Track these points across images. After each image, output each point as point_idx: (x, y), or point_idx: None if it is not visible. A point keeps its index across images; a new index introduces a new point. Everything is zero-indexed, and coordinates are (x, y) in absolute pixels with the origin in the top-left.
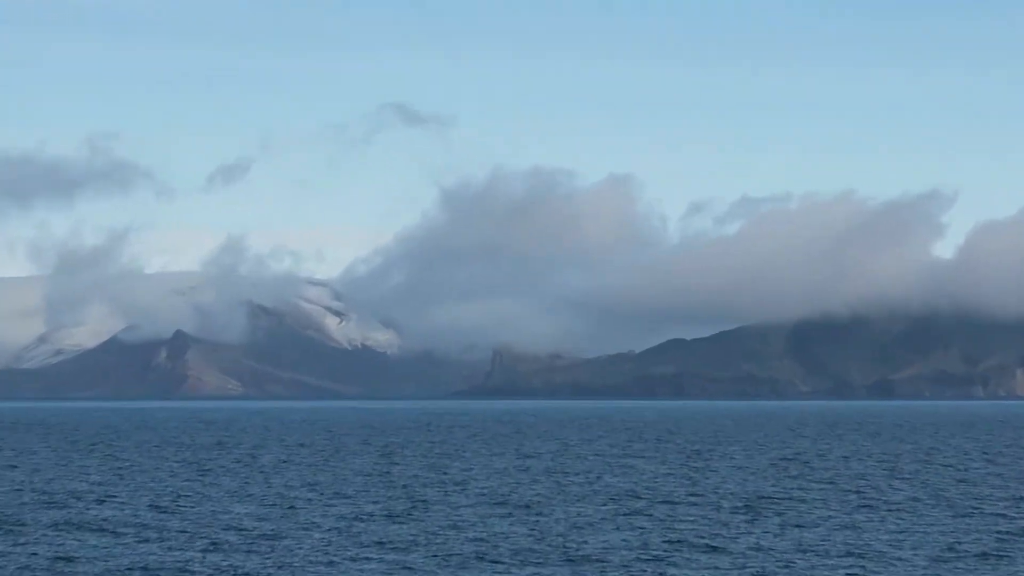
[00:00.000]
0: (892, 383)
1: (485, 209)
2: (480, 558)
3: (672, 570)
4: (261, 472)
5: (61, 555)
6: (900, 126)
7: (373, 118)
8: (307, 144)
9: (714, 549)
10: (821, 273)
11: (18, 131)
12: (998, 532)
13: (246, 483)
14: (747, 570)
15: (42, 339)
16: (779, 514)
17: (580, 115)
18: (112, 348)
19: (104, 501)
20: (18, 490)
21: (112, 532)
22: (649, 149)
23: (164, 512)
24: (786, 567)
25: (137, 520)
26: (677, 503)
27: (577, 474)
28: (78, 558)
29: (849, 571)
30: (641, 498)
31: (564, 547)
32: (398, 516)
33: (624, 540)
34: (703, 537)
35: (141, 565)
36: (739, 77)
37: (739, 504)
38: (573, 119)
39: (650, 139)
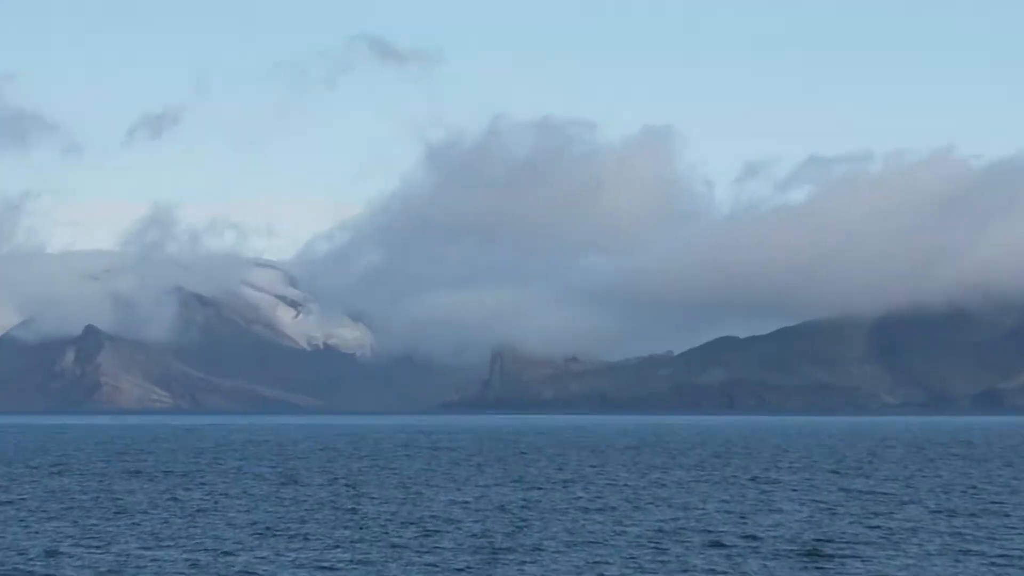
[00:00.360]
0: (1000, 393)
1: (482, 172)
2: None
3: None
4: (189, 509)
5: None
6: (1010, 68)
7: (338, 54)
8: (253, 89)
9: None
10: (911, 254)
11: None
12: None
13: (166, 524)
14: None
15: None
16: (859, 561)
17: (604, 51)
18: (4, 348)
19: None
20: None
21: None
22: (692, 95)
23: (56, 559)
24: None
25: (17, 571)
26: (729, 547)
27: (598, 510)
28: None
29: None
30: (683, 541)
31: None
32: (368, 564)
33: None
34: None
35: None
36: (805, 6)
37: (802, 549)
38: (595, 56)
39: (693, 82)
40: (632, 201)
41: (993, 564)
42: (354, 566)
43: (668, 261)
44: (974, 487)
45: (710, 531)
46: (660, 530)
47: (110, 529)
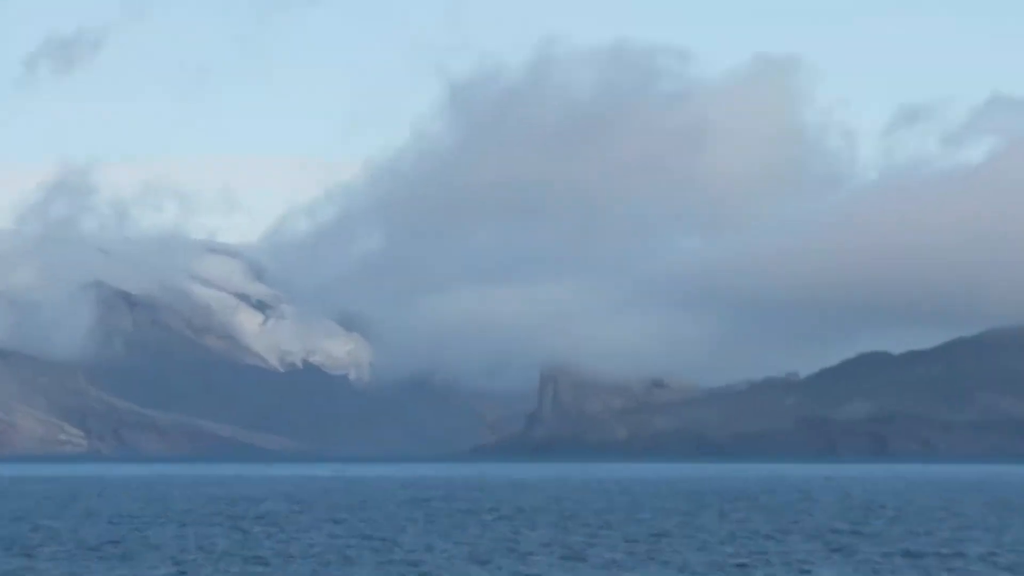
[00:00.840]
0: None
1: (525, 121)
2: None
3: None
4: None
5: None
6: None
7: None
8: (203, 4)
9: None
10: None
11: None
12: None
13: None
14: None
15: None
16: None
17: None
18: None
19: None
20: None
21: None
22: (823, 14)
23: None
24: None
25: None
26: None
27: None
28: None
29: None
30: None
31: None
32: None
33: None
34: None
35: None
36: None
37: None
38: None
39: None
40: (739, 161)
41: None
42: None
43: (790, 246)
44: None
45: None
46: None
47: None
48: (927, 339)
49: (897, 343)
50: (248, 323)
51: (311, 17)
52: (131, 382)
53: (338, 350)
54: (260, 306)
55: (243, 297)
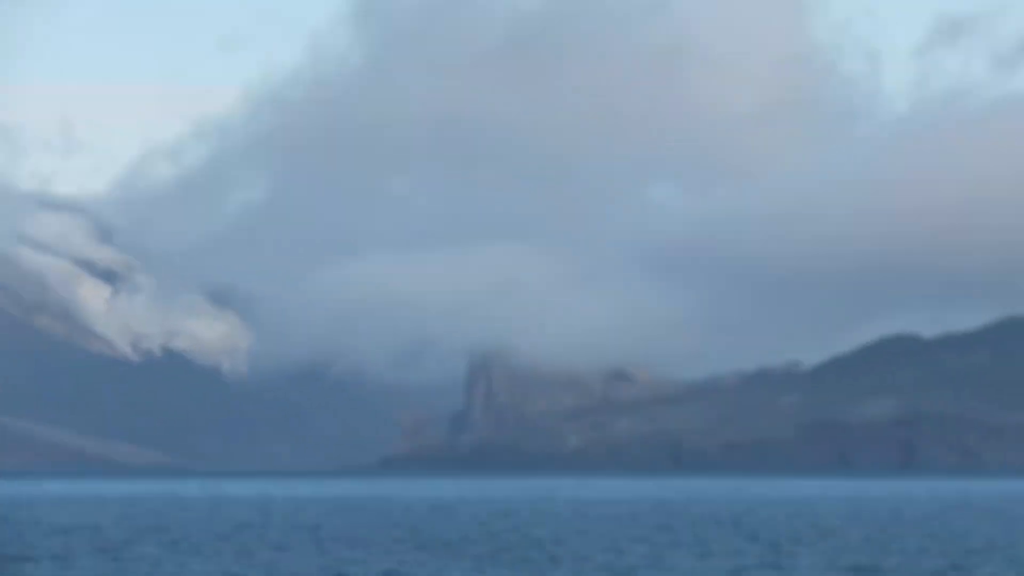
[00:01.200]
0: None
1: (453, 39)
2: None
3: None
4: None
5: None
6: None
7: None
8: None
9: None
10: None
11: None
12: None
13: None
14: None
15: None
16: None
17: None
18: None
19: None
20: None
21: None
22: None
23: None
24: None
25: None
26: None
27: None
28: None
29: None
30: None
31: None
32: None
33: None
34: None
35: None
36: None
37: None
38: None
39: None
40: (731, 92)
41: None
42: None
43: (795, 202)
44: None
45: None
46: None
47: None
48: (968, 319)
49: (930, 324)
50: (92, 298)
51: None
52: None
53: (207, 333)
54: (107, 276)
55: (86, 264)
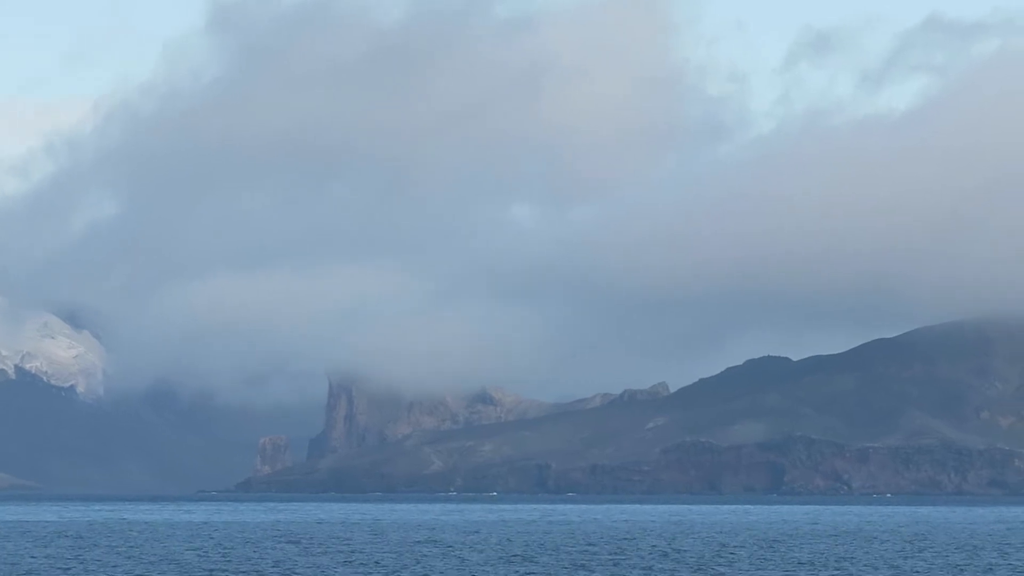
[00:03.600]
0: None
1: (309, 51)
2: None
3: None
4: None
5: None
6: None
7: None
8: None
9: None
10: None
11: None
12: None
13: None
14: None
15: None
16: None
17: None
18: None
19: None
20: None
21: None
22: None
23: None
24: None
25: None
26: None
27: None
28: None
29: None
30: None
31: None
32: None
33: None
34: None
35: None
36: None
37: None
38: None
39: None
40: (593, 110)
41: None
42: None
43: (660, 221)
44: None
45: None
46: None
47: None
48: (836, 342)
49: (797, 347)
50: None
51: None
52: None
53: (63, 354)
54: None
55: None
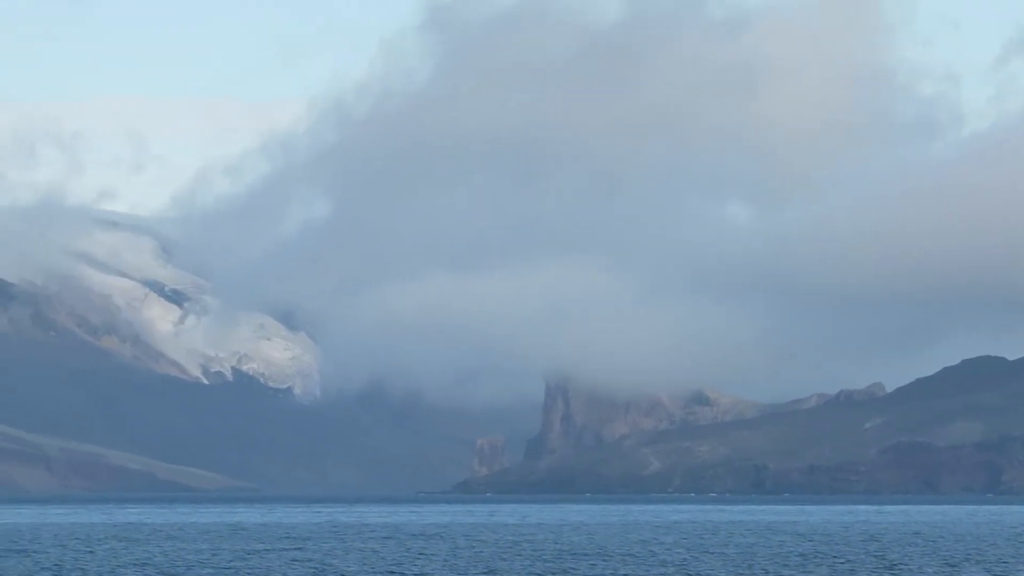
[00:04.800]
0: None
1: (521, 52)
2: None
3: None
4: None
5: None
6: None
7: None
8: None
9: None
10: None
11: None
12: None
13: None
14: None
15: None
16: None
17: None
18: None
19: None
20: None
21: None
22: None
23: None
24: None
25: None
26: None
27: None
28: None
29: None
30: None
31: None
32: None
33: None
34: None
35: None
36: None
37: None
38: None
39: None
40: (806, 109)
41: None
42: None
43: (873, 219)
44: None
45: None
46: None
47: None
48: None
49: (1013, 346)
50: (160, 320)
51: None
52: (4, 398)
53: (279, 355)
54: (175, 297)
55: (152, 285)
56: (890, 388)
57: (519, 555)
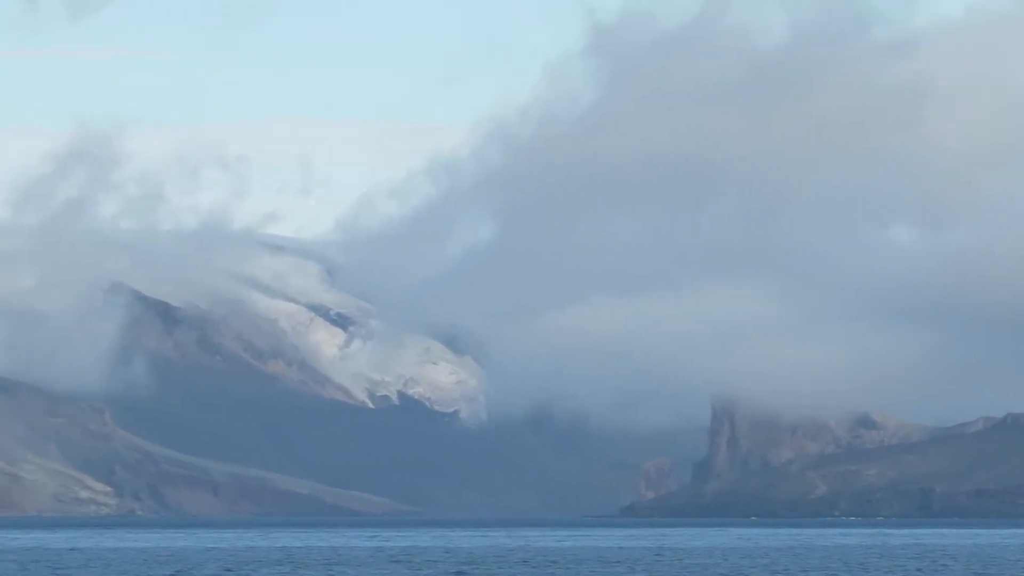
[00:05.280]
0: None
1: (688, 75)
2: None
3: None
4: None
5: None
6: None
7: None
8: None
9: None
10: None
11: None
12: None
13: None
14: None
15: None
16: None
17: None
18: None
19: None
20: None
21: None
22: None
23: None
24: None
25: None
26: None
27: None
28: None
29: None
30: None
31: None
32: None
33: None
34: None
35: None
36: None
37: None
38: None
39: None
40: (977, 131)
41: None
42: None
43: None
44: None
45: None
46: None
47: None
48: None
49: None
50: (326, 344)
51: None
52: (172, 423)
53: (445, 379)
54: (341, 322)
55: (318, 309)
56: None
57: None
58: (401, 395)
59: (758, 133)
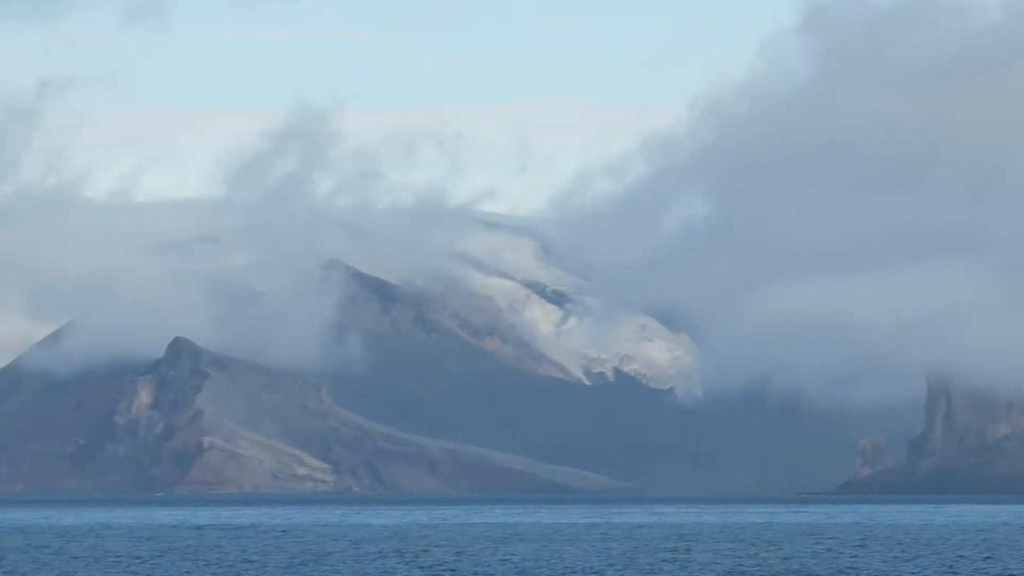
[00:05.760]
0: None
1: (903, 53)
2: None
3: None
4: None
5: None
6: None
7: None
8: None
9: None
10: None
11: None
12: None
13: None
14: None
15: None
16: None
17: None
18: (22, 382)
19: None
20: None
21: None
22: None
23: None
24: None
25: None
26: None
27: None
28: None
29: None
30: None
31: None
32: None
33: None
34: None
35: None
36: None
37: None
38: None
39: None
40: None
41: None
42: None
43: None
44: None
45: None
46: None
47: None
48: None
49: None
50: (542, 322)
51: None
52: (389, 400)
53: (661, 356)
54: (556, 299)
55: (534, 287)
56: None
57: None
58: (617, 372)
59: (974, 112)
